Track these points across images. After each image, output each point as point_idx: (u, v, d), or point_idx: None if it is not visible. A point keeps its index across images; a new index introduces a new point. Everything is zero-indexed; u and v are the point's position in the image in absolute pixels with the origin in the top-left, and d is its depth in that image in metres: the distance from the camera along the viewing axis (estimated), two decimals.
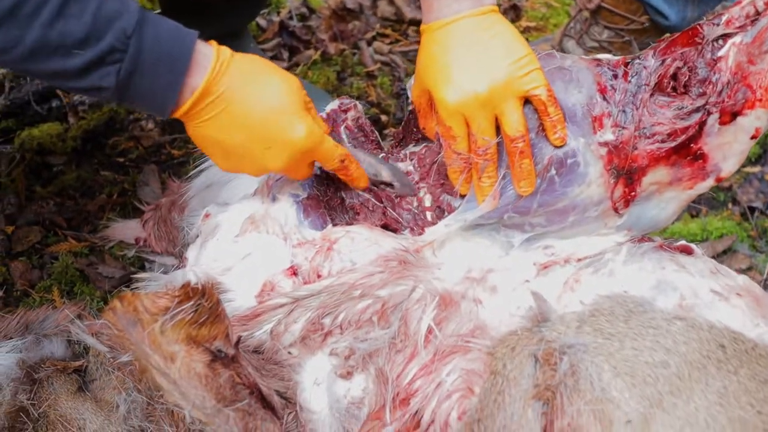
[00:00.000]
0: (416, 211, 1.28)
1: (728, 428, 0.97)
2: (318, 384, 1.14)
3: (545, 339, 1.06)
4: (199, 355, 0.99)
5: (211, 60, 1.12)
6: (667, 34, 1.25)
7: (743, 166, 2.06)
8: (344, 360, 1.14)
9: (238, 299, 1.21)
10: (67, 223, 1.85)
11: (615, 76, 1.20)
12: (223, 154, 1.18)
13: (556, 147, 1.18)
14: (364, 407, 1.12)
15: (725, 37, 1.15)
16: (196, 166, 1.52)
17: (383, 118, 2.15)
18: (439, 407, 1.09)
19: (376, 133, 1.39)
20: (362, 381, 1.13)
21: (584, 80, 1.20)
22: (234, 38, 1.99)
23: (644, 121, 1.17)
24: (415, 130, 1.31)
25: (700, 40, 1.17)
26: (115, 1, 1.05)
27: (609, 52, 2.11)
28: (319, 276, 1.19)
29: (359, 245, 1.20)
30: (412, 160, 1.29)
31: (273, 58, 2.32)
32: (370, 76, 2.32)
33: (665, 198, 1.23)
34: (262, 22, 2.42)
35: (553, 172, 1.19)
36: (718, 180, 1.20)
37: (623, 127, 1.18)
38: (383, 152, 1.35)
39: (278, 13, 2.47)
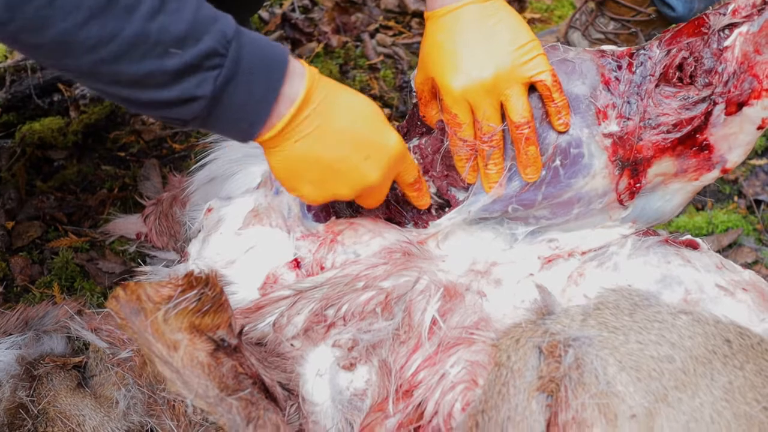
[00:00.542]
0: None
1: (733, 424, 0.97)
2: (321, 375, 1.13)
3: (549, 331, 1.06)
4: (202, 344, 0.98)
5: (305, 70, 1.06)
6: (673, 25, 1.24)
7: (749, 158, 2.05)
8: (347, 351, 1.13)
9: (241, 291, 1.20)
10: (68, 218, 1.85)
11: (619, 67, 1.19)
12: (319, 174, 1.11)
13: (560, 133, 1.17)
14: (367, 399, 1.12)
15: (731, 26, 1.14)
16: (198, 160, 1.51)
17: (386, 111, 2.14)
18: (442, 398, 1.08)
19: None
20: (365, 373, 1.13)
21: (588, 72, 1.19)
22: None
23: (649, 111, 1.17)
24: (419, 123, 1.30)
25: (706, 30, 1.16)
26: (210, 7, 0.99)
27: (615, 43, 2.09)
28: (322, 268, 1.19)
29: (363, 237, 1.20)
30: (415, 153, 1.28)
31: None
32: (373, 68, 2.30)
33: (671, 190, 1.22)
34: (264, 14, 2.41)
35: (558, 162, 1.18)
36: (724, 171, 1.19)
37: (628, 118, 1.17)
38: None
39: (281, 5, 2.46)
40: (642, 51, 1.19)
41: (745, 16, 1.14)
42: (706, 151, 1.17)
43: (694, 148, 1.17)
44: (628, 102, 1.17)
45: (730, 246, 1.85)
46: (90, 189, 1.92)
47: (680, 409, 0.97)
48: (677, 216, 1.90)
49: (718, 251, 1.83)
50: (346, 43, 2.35)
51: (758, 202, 1.95)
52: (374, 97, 2.19)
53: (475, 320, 1.14)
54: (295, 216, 1.24)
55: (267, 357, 1.12)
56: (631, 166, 1.18)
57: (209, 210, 1.33)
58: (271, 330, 1.15)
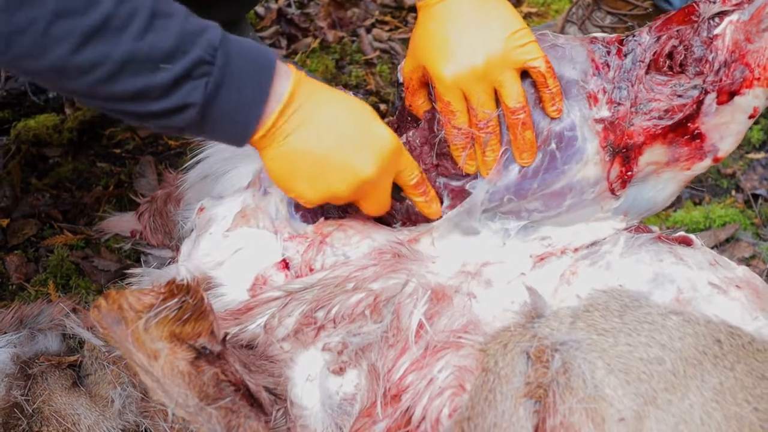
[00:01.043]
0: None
1: (724, 425, 0.96)
2: (310, 380, 1.13)
3: (538, 336, 1.05)
4: (182, 352, 0.99)
5: (290, 70, 1.10)
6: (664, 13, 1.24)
7: (747, 152, 2.04)
8: (337, 355, 1.13)
9: (230, 293, 1.20)
10: (63, 215, 1.84)
11: (609, 53, 1.19)
12: (311, 171, 1.12)
13: (553, 119, 1.18)
14: (357, 403, 1.11)
15: (722, 14, 1.15)
16: (193, 157, 1.51)
17: (382, 106, 2.13)
18: (430, 404, 1.08)
19: None
20: (355, 377, 1.12)
21: (578, 57, 1.19)
22: (233, 27, 1.97)
23: (640, 97, 1.17)
24: (409, 119, 1.29)
25: (696, 18, 1.16)
26: (196, 19, 1.03)
27: None
28: (311, 269, 1.18)
29: (352, 239, 1.20)
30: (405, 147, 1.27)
31: (271, 46, 2.30)
32: (369, 64, 2.30)
33: (663, 179, 1.22)
34: (260, 9, 2.40)
35: (553, 146, 1.18)
36: (716, 160, 1.20)
37: (619, 104, 1.17)
38: None
39: (276, 0, 2.45)
40: (632, 37, 1.19)
41: (735, 4, 1.14)
42: (698, 140, 1.17)
43: (686, 137, 1.17)
44: (619, 87, 1.17)
45: (727, 240, 1.85)
46: (85, 186, 1.92)
47: (670, 411, 0.97)
48: (674, 210, 1.90)
49: (716, 246, 1.83)
50: (342, 39, 2.34)
51: (756, 197, 1.95)
52: (370, 93, 2.18)
53: (464, 323, 1.13)
54: (283, 217, 1.24)
55: (255, 360, 1.12)
56: (623, 153, 1.18)
57: (201, 209, 1.32)
58: (261, 332, 1.15)
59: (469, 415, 1.04)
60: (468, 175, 1.23)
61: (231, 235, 1.24)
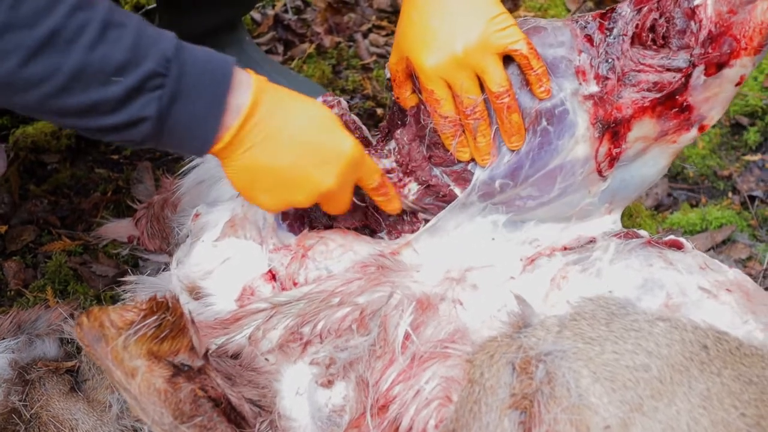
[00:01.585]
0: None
1: (711, 431, 0.96)
2: (300, 394, 1.14)
3: (524, 347, 1.05)
4: (160, 370, 1.00)
5: (251, 80, 1.08)
6: None
7: (743, 154, 2.04)
8: (325, 369, 1.14)
9: (218, 303, 1.21)
10: (61, 221, 1.85)
11: (592, 29, 1.20)
12: (272, 183, 1.12)
13: (542, 100, 1.18)
14: (346, 414, 1.12)
15: None
16: (189, 162, 1.51)
17: (379, 111, 2.13)
18: (417, 415, 1.08)
19: (364, 128, 1.38)
20: (343, 389, 1.13)
21: (561, 35, 1.20)
22: (229, 31, 1.98)
23: (627, 70, 1.17)
24: (398, 122, 1.29)
25: None
26: (151, 28, 1.02)
27: None
28: (295, 284, 1.19)
29: (333, 253, 1.20)
30: (395, 148, 1.28)
31: (268, 52, 2.31)
32: (366, 69, 2.30)
33: (650, 155, 1.23)
34: (256, 15, 2.41)
35: (545, 123, 1.18)
36: (702, 129, 1.20)
37: (606, 78, 1.18)
38: (369, 149, 1.33)
39: (273, 6, 2.45)
40: (613, 12, 1.20)
41: None
42: (687, 112, 1.18)
43: (674, 110, 1.17)
44: (605, 61, 1.18)
45: (724, 242, 1.85)
46: (83, 192, 1.92)
47: (656, 418, 0.97)
48: (671, 212, 1.90)
49: (712, 248, 1.83)
50: (339, 44, 2.35)
51: (752, 198, 1.95)
52: (367, 97, 2.18)
53: (451, 331, 1.13)
54: (270, 226, 1.24)
55: (242, 372, 1.13)
56: (612, 128, 1.18)
57: (196, 215, 1.33)
58: (247, 343, 1.15)
59: (454, 427, 1.04)
60: None
61: (219, 245, 1.25)
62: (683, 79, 1.15)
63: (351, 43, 2.37)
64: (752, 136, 2.07)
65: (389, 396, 1.09)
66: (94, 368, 1.33)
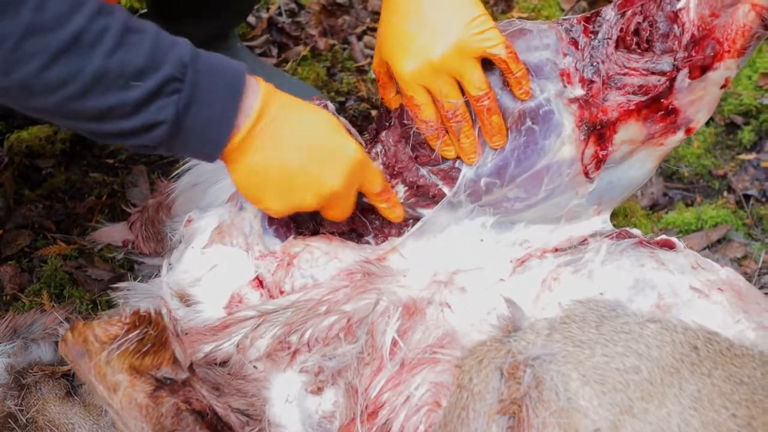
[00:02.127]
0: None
1: None
2: (289, 401, 1.14)
3: (512, 351, 1.05)
4: (142, 384, 1.00)
5: (259, 85, 1.10)
6: None
7: (738, 153, 2.05)
8: (314, 376, 1.14)
9: (207, 310, 1.21)
10: (57, 226, 1.85)
11: (577, 32, 1.20)
12: (280, 186, 1.13)
13: (523, 101, 1.18)
14: (336, 420, 1.12)
15: None
16: (183, 165, 1.51)
17: (374, 113, 2.13)
18: (407, 421, 1.08)
19: (353, 131, 1.38)
20: (332, 395, 1.13)
21: (546, 38, 1.20)
22: (221, 41, 1.98)
23: (612, 73, 1.17)
24: (387, 124, 1.29)
25: None
26: (167, 35, 1.03)
27: None
28: (281, 292, 1.19)
29: (319, 261, 1.20)
30: (381, 152, 1.28)
31: (262, 55, 2.31)
32: (361, 71, 2.30)
33: (638, 158, 1.23)
34: (250, 19, 2.40)
35: (529, 123, 1.18)
36: (688, 132, 1.20)
37: (591, 81, 1.18)
38: None
39: (267, 9, 2.45)
40: (597, 16, 1.20)
41: None
42: (673, 115, 1.18)
43: (660, 113, 1.17)
44: (590, 65, 1.18)
45: (719, 241, 1.85)
46: (78, 197, 1.92)
47: (646, 420, 0.97)
48: (666, 212, 1.91)
49: (708, 247, 1.83)
50: (334, 46, 2.35)
51: (747, 197, 1.95)
52: (362, 99, 2.18)
53: (440, 336, 1.13)
54: (256, 233, 1.24)
55: (231, 380, 1.14)
56: (598, 131, 1.18)
57: (189, 221, 1.33)
58: (235, 351, 1.16)
59: None
60: None
61: (207, 252, 1.25)
62: (668, 83, 1.15)
63: (345, 46, 2.37)
64: (747, 135, 2.07)
65: (379, 402, 1.09)
66: None
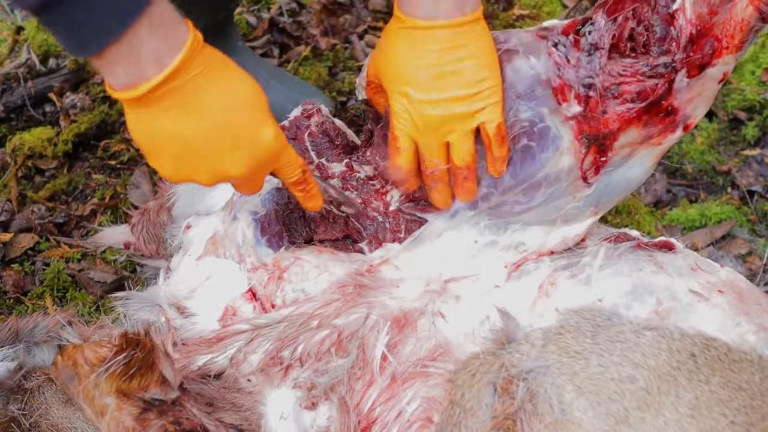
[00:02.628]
0: (381, 219, 1.25)
1: None
2: (284, 418, 1.14)
3: (506, 365, 1.04)
4: (129, 407, 1.00)
5: (188, 35, 0.96)
6: None
7: (742, 149, 2.04)
8: (308, 391, 1.14)
9: (201, 323, 1.21)
10: (59, 228, 1.85)
11: (566, 46, 1.16)
12: (178, 152, 1.02)
13: (494, 177, 1.17)
14: None
15: None
16: None
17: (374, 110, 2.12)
18: None
19: (349, 133, 1.37)
20: (326, 410, 1.13)
21: (534, 57, 1.16)
22: (220, 36, 1.97)
23: (608, 85, 1.15)
24: (371, 143, 1.29)
25: None
26: None
27: None
28: (273, 306, 1.18)
29: (309, 274, 1.19)
30: (370, 164, 1.27)
31: (263, 56, 2.30)
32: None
33: (636, 158, 1.21)
34: (251, 19, 2.40)
35: (525, 141, 1.16)
36: (686, 128, 1.18)
37: (587, 96, 1.15)
38: (353, 155, 1.32)
39: (268, 9, 2.45)
40: (587, 25, 1.16)
41: None
42: (672, 115, 1.16)
43: (660, 115, 1.16)
44: (584, 80, 1.15)
45: (723, 238, 1.84)
46: (81, 198, 1.93)
47: (643, 430, 0.96)
48: (670, 209, 1.90)
49: (712, 243, 1.82)
50: (335, 45, 2.34)
51: (751, 193, 1.94)
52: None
53: (431, 348, 1.12)
54: (249, 244, 1.23)
55: (225, 393, 1.13)
56: (598, 142, 1.17)
57: (188, 227, 1.33)
58: (229, 364, 1.16)
59: None
60: None
61: (201, 264, 1.25)
62: (666, 85, 1.13)
63: (347, 45, 2.37)
64: (750, 130, 2.06)
65: (371, 417, 1.09)
66: None
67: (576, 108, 1.15)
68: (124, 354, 1.00)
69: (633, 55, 1.14)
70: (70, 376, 0.99)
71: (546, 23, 1.21)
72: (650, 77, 1.13)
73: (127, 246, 1.60)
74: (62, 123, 2.09)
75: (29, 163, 2.00)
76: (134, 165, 2.00)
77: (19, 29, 2.34)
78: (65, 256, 1.78)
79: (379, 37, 2.33)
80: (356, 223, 1.25)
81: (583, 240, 1.23)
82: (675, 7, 1.12)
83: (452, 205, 1.21)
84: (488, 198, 1.20)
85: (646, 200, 1.92)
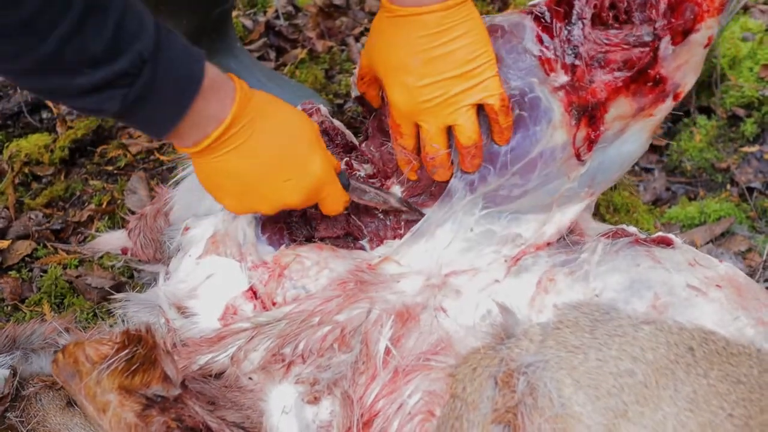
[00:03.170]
0: (381, 217, 1.25)
1: None
2: (286, 412, 1.14)
3: (506, 359, 1.05)
4: (131, 404, 1.00)
5: (236, 89, 1.08)
6: None
7: (741, 146, 2.03)
8: (310, 386, 1.14)
9: (203, 322, 1.21)
10: (56, 234, 1.85)
11: (549, 18, 1.17)
12: (239, 189, 1.14)
13: (500, 145, 1.17)
14: (333, 430, 1.11)
15: None
16: (182, 171, 1.51)
17: None
18: (401, 429, 1.08)
19: (348, 133, 1.37)
20: (329, 404, 1.13)
21: (519, 31, 1.18)
22: (218, 38, 1.96)
23: (593, 53, 1.15)
24: (366, 135, 1.29)
25: None
26: (133, 20, 0.95)
27: None
28: (274, 303, 1.18)
29: (310, 271, 1.20)
30: (368, 158, 1.27)
31: (260, 59, 2.30)
32: None
33: (630, 133, 1.21)
34: (248, 22, 2.40)
35: (518, 110, 1.16)
36: (676, 97, 1.18)
37: (573, 66, 1.16)
38: (352, 154, 1.32)
39: (264, 12, 2.45)
40: None
41: None
42: (661, 84, 1.16)
43: (648, 84, 1.16)
44: (569, 50, 1.16)
45: (723, 235, 1.83)
46: (78, 204, 1.92)
47: (641, 424, 0.96)
48: (669, 207, 1.89)
49: (711, 240, 1.82)
50: (331, 48, 2.34)
51: (750, 190, 1.93)
52: None
53: (434, 342, 1.13)
54: (250, 242, 1.24)
55: (227, 392, 1.13)
56: (588, 113, 1.16)
57: (186, 229, 1.33)
58: (230, 363, 1.15)
59: None
60: None
61: (202, 262, 1.25)
62: (652, 53, 1.13)
63: (343, 47, 2.36)
64: (749, 127, 2.05)
65: (373, 410, 1.09)
66: None
67: (563, 78, 1.15)
68: (126, 350, 1.00)
69: (616, 25, 1.14)
70: (72, 373, 0.99)
71: (530, 3, 1.22)
72: (635, 45, 1.13)
73: (124, 251, 1.60)
74: (59, 129, 2.09)
75: (26, 170, 1.99)
76: (131, 170, 1.99)
77: None
78: (63, 262, 1.77)
79: None
80: (357, 220, 1.25)
81: (581, 237, 1.22)
82: None
83: (450, 185, 1.20)
84: (485, 179, 1.19)
85: (645, 198, 1.92)
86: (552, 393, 0.98)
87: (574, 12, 1.16)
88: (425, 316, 1.15)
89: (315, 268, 1.19)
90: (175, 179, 1.52)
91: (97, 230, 1.82)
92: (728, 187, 1.97)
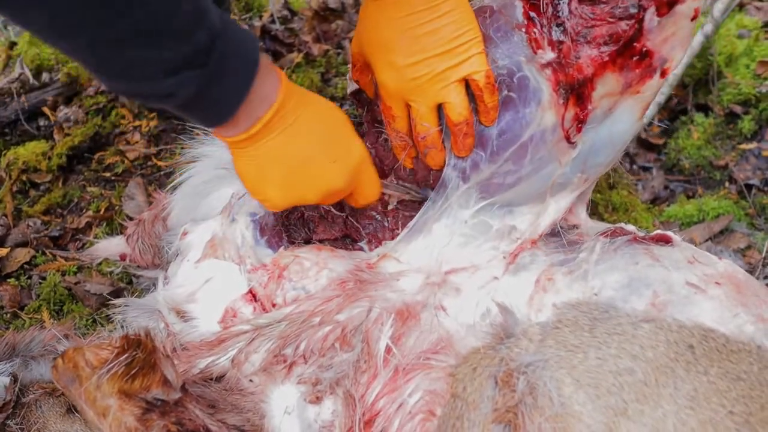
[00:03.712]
0: (379, 218, 1.25)
1: (698, 431, 0.95)
2: (288, 412, 1.14)
3: (506, 359, 1.05)
4: (131, 408, 1.00)
5: (279, 76, 1.08)
6: None
7: (738, 143, 2.03)
8: (312, 386, 1.14)
9: (202, 325, 1.21)
10: (55, 241, 1.85)
11: None
12: (286, 174, 1.12)
13: (486, 126, 1.17)
14: (335, 429, 1.11)
15: None
16: (176, 178, 1.51)
17: None
18: (402, 429, 1.08)
19: None
20: (331, 404, 1.13)
21: (508, 9, 1.17)
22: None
23: (579, 28, 1.14)
24: (361, 131, 1.29)
25: None
26: None
27: None
28: (273, 305, 1.18)
29: (309, 272, 1.20)
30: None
31: None
32: None
33: (620, 112, 1.19)
34: (244, 27, 2.40)
35: (506, 92, 1.15)
36: (664, 74, 1.17)
37: (560, 42, 1.15)
38: None
39: (260, 17, 2.45)
40: None
41: None
42: (648, 58, 1.15)
43: (635, 58, 1.15)
44: (556, 25, 1.15)
45: (722, 232, 1.83)
46: (76, 211, 1.92)
47: (641, 422, 0.96)
48: (668, 205, 1.89)
49: (710, 238, 1.81)
50: (328, 51, 2.34)
51: (749, 187, 1.93)
52: None
53: (434, 341, 1.13)
54: (248, 245, 1.24)
55: (227, 396, 1.13)
56: (576, 91, 1.16)
57: (184, 233, 1.33)
58: (230, 366, 1.15)
59: None
60: None
61: (200, 266, 1.25)
62: (637, 25, 1.12)
63: (339, 50, 2.36)
64: (747, 124, 2.05)
65: (374, 410, 1.09)
66: None
67: (550, 54, 1.15)
68: (126, 355, 1.00)
69: (601, 0, 1.13)
70: (71, 378, 0.99)
71: None
72: (621, 18, 1.12)
73: (123, 257, 1.60)
74: (56, 136, 2.09)
75: (24, 178, 1.99)
76: (128, 176, 1.99)
77: (12, 44, 2.34)
78: (61, 269, 1.77)
79: None
80: (355, 222, 1.25)
81: (579, 237, 1.22)
82: None
83: (444, 174, 1.20)
84: (477, 166, 1.19)
85: (643, 197, 1.92)
86: (552, 392, 0.98)
87: None
88: (425, 315, 1.15)
89: (314, 268, 1.19)
90: (172, 184, 1.52)
91: (96, 237, 1.82)
92: (727, 184, 1.97)
